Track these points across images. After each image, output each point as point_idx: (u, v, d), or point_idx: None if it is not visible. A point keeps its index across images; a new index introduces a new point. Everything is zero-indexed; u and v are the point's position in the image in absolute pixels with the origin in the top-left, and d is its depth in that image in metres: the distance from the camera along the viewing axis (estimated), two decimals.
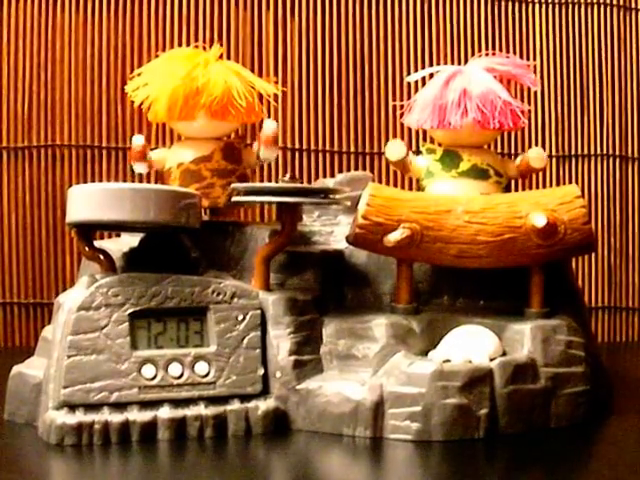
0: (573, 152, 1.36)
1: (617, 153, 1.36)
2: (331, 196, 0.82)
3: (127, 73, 1.10)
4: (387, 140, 1.31)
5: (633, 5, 1.36)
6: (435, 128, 0.88)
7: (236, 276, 0.84)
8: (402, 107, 0.91)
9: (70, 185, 0.99)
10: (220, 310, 0.78)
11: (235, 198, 0.82)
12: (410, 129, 1.25)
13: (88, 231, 0.82)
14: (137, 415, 0.74)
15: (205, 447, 0.73)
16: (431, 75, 0.91)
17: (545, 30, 1.35)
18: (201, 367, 0.76)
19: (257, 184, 0.84)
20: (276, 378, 0.78)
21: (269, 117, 1.22)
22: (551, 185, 1.33)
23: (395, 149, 0.89)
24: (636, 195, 1.37)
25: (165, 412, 0.74)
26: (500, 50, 1.29)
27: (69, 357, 0.74)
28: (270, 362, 0.78)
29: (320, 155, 1.31)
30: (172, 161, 0.90)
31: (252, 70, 0.98)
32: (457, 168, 0.88)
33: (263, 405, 0.77)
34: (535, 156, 0.88)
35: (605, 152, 1.36)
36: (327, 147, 1.31)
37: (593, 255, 1.34)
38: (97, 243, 0.84)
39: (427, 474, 0.70)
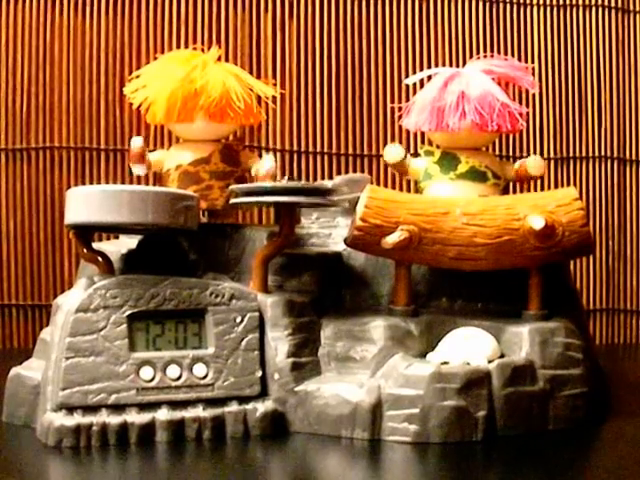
0: (571, 154, 1.36)
1: (615, 155, 1.36)
2: (329, 196, 0.82)
3: (125, 75, 1.10)
4: (385, 142, 1.32)
5: (631, 8, 1.37)
6: (433, 130, 0.88)
7: (234, 278, 0.84)
8: (400, 109, 0.91)
9: (68, 187, 0.99)
10: (218, 312, 0.78)
11: (233, 200, 0.82)
12: (408, 131, 1.25)
13: (86, 233, 0.82)
14: (135, 417, 0.74)
15: (203, 449, 0.73)
16: (429, 77, 0.91)
17: (543, 33, 1.35)
18: (199, 369, 0.76)
19: (255, 184, 0.84)
20: (274, 380, 0.78)
21: (267, 118, 1.22)
22: (549, 187, 1.33)
23: (393, 151, 0.89)
24: (634, 197, 1.37)
25: (163, 414, 0.74)
26: (498, 52, 1.29)
27: (67, 359, 0.74)
28: (268, 364, 0.78)
29: (318, 157, 1.32)
30: (170, 163, 0.90)
31: (251, 72, 0.98)
32: (455, 170, 0.88)
33: (261, 407, 0.77)
34: (534, 164, 0.88)
35: (603, 154, 1.36)
36: (325, 149, 1.32)
37: (591, 257, 1.34)
38: (95, 245, 0.84)
39: (425, 476, 0.70)
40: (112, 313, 0.75)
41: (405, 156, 0.89)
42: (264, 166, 0.89)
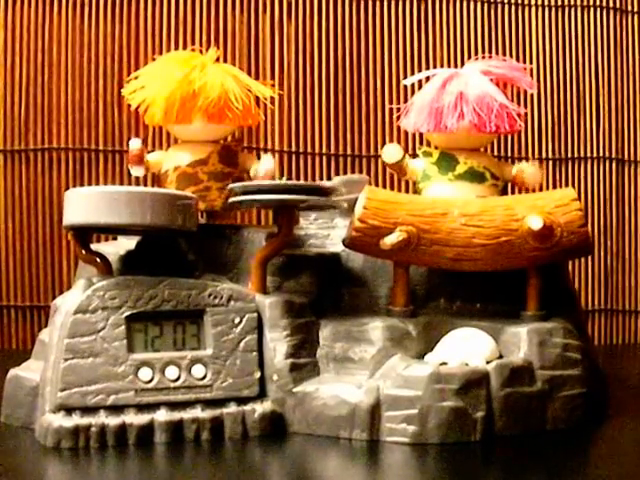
0: (569, 155, 1.36)
1: (613, 156, 1.36)
2: (329, 195, 0.82)
3: (124, 76, 1.10)
4: (384, 143, 1.32)
5: (629, 8, 1.37)
6: (431, 131, 0.88)
7: (233, 279, 0.84)
8: (398, 110, 0.91)
9: (67, 188, 0.99)
10: (217, 313, 0.78)
11: (232, 198, 0.82)
12: (407, 132, 1.25)
13: (85, 234, 0.82)
14: (134, 418, 0.74)
15: (202, 450, 0.73)
16: (427, 78, 0.91)
17: (541, 33, 1.35)
18: (198, 370, 0.76)
19: (254, 182, 0.84)
20: (273, 381, 0.78)
21: (266, 119, 1.22)
22: (547, 188, 1.33)
23: (392, 152, 0.89)
24: (632, 198, 1.37)
25: (162, 415, 0.74)
26: (497, 53, 1.29)
27: (66, 360, 0.74)
28: (267, 365, 0.78)
29: (317, 158, 1.32)
30: (169, 164, 0.90)
31: (249, 73, 0.98)
32: (454, 171, 0.88)
33: (260, 408, 0.77)
34: (531, 172, 0.88)
35: (601, 155, 1.36)
36: (324, 150, 1.32)
37: (589, 258, 1.34)
38: (94, 246, 0.84)
39: (424, 477, 0.70)
40: (111, 314, 0.75)
41: (403, 156, 0.89)
42: (263, 166, 0.89)
